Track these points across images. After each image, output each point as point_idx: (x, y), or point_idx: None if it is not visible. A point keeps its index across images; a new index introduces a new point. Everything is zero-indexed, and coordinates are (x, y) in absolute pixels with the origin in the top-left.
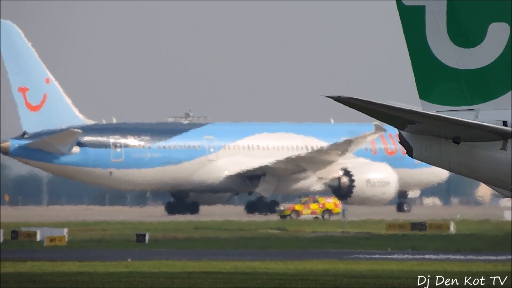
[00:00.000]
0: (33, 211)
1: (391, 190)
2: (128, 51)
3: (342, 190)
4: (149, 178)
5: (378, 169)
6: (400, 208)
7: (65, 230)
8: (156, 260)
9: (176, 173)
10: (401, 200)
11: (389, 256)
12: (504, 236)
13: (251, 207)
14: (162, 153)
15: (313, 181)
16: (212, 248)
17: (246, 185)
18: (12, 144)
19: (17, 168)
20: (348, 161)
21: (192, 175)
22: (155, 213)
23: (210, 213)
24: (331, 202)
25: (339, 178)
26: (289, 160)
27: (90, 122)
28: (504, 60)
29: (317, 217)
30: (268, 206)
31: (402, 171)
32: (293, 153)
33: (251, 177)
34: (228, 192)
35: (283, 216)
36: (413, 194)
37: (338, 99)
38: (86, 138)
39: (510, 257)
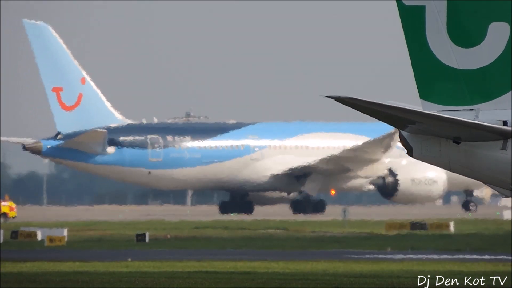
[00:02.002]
0: (33, 211)
1: (438, 189)
2: (128, 51)
3: (387, 189)
4: (190, 177)
5: (426, 167)
6: (466, 207)
7: (65, 230)
8: (157, 260)
9: (219, 172)
10: (467, 199)
11: (389, 256)
12: (504, 236)
13: (297, 206)
14: (203, 153)
15: (361, 180)
16: (212, 248)
17: (293, 184)
18: (44, 144)
19: (17, 168)
20: (397, 159)
21: (235, 174)
22: (157, 212)
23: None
24: (7, 205)
25: (383, 177)
26: (326, 160)
27: (128, 121)
28: (504, 60)
29: None
30: (314, 205)
31: None
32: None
33: (298, 176)
34: (274, 191)
35: None
36: (479, 193)
37: (338, 99)
38: (124, 138)
39: (510, 257)
